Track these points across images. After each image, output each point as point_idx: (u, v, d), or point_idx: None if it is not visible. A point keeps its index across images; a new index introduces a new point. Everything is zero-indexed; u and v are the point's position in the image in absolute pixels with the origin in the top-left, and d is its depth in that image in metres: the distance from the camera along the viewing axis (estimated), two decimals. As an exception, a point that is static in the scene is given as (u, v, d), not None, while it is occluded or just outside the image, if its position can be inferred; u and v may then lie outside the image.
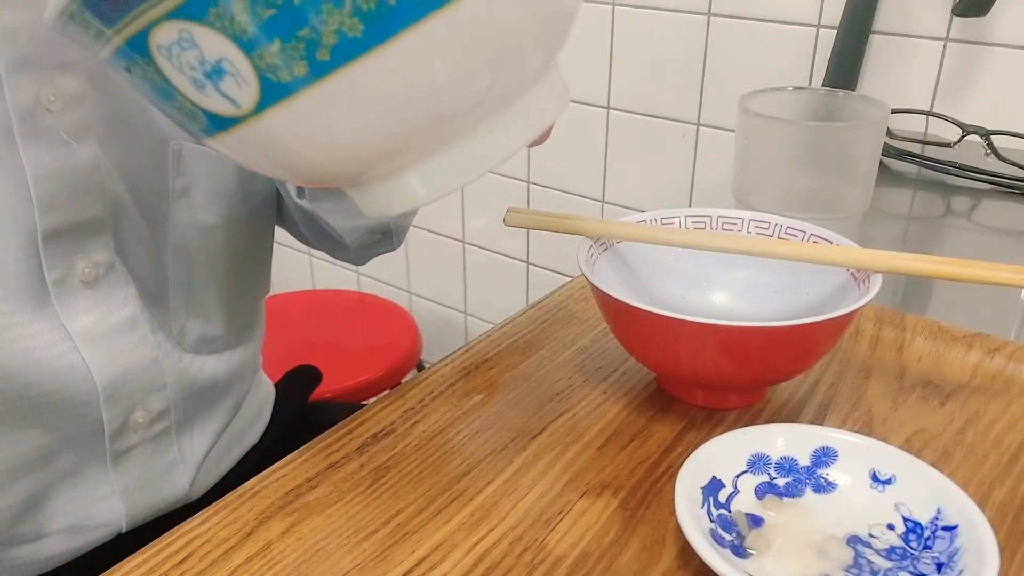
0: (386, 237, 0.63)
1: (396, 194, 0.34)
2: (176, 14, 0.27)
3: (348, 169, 0.33)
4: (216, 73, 0.28)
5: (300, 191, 0.56)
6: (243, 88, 0.28)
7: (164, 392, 0.52)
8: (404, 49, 0.28)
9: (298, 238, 0.66)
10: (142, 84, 0.30)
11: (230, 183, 0.53)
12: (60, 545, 0.51)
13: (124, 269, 0.49)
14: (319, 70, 0.28)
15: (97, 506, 0.52)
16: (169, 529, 0.42)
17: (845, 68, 0.96)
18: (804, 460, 0.42)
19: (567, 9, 0.34)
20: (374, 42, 0.27)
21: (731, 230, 0.54)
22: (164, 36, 0.28)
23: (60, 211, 0.45)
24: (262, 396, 0.68)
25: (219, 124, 0.30)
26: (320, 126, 0.30)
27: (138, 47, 0.29)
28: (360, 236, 0.61)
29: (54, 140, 0.44)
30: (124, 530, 0.54)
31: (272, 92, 0.28)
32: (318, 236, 0.63)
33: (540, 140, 0.36)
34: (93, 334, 0.48)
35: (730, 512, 0.40)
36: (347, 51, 0.28)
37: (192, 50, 0.28)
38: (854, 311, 0.44)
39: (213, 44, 0.27)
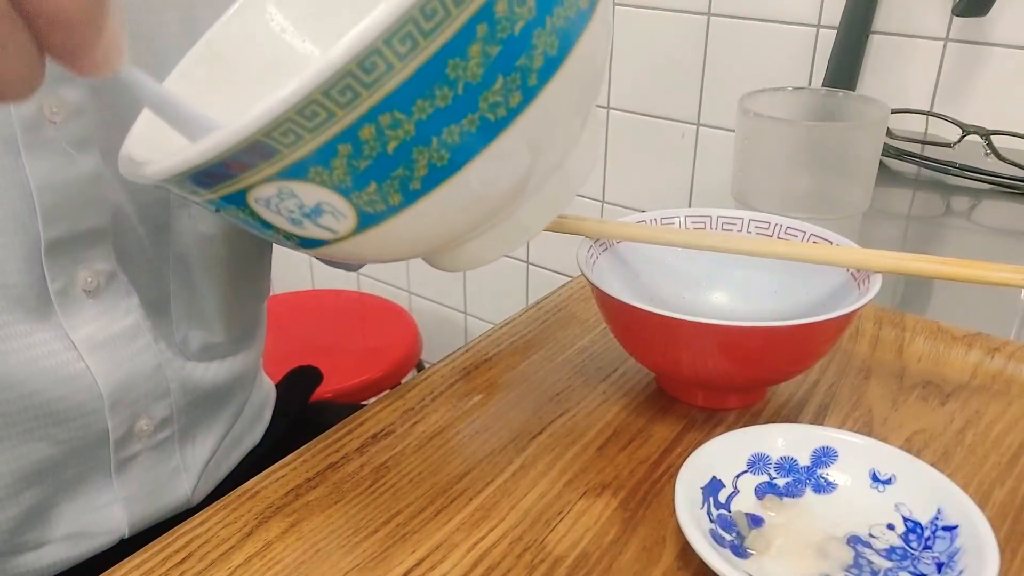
0: None
1: (458, 260, 0.41)
2: (278, 177, 0.29)
3: (424, 254, 0.39)
4: (315, 213, 0.31)
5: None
6: (341, 220, 0.31)
7: (168, 399, 0.52)
8: (479, 168, 0.31)
9: None
10: (233, 219, 0.33)
11: None
12: (62, 553, 0.51)
13: (125, 278, 0.49)
14: (411, 197, 0.31)
15: (99, 514, 0.52)
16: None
17: (845, 68, 0.96)
18: (804, 460, 0.42)
19: (600, 79, 0.37)
20: (458, 166, 0.31)
21: (731, 230, 0.54)
22: (263, 192, 0.30)
23: (63, 221, 0.45)
24: (263, 397, 0.68)
25: (312, 244, 0.33)
26: (407, 238, 0.34)
27: (236, 201, 0.31)
28: None
29: (57, 151, 0.44)
30: (126, 536, 0.54)
31: (369, 220, 0.31)
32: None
33: None
34: (96, 342, 0.48)
35: (730, 512, 0.40)
36: (435, 178, 0.31)
37: (291, 199, 0.30)
38: (854, 311, 0.44)
39: (313, 194, 0.30)
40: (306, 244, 0.33)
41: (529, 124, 0.31)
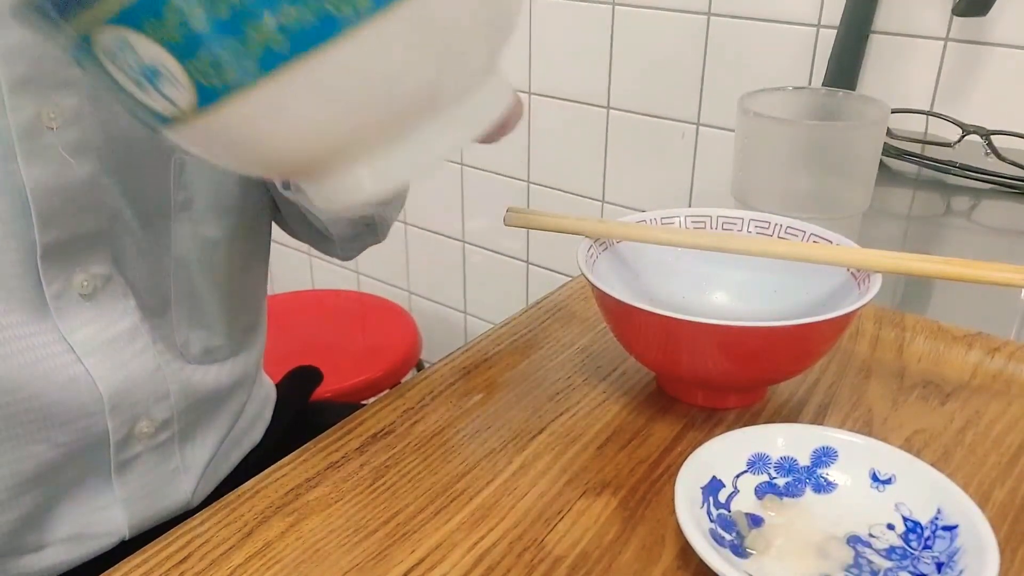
0: (370, 229, 0.62)
1: (345, 187, 0.35)
2: (115, 21, 0.27)
3: (296, 164, 0.34)
4: (153, 75, 0.28)
5: (285, 183, 0.56)
6: (179, 91, 0.29)
7: (168, 401, 0.52)
8: (347, 49, 0.28)
9: (285, 230, 0.66)
10: (93, 79, 0.31)
11: (231, 197, 0.53)
12: (62, 555, 0.51)
13: (122, 281, 0.49)
14: (253, 73, 0.28)
15: (99, 515, 0.52)
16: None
17: (845, 68, 0.96)
18: (804, 460, 0.42)
19: (512, 8, 0.34)
20: (311, 44, 0.28)
21: (731, 230, 0.54)
22: (106, 40, 0.28)
23: (58, 226, 0.45)
24: (263, 397, 0.67)
25: (160, 120, 0.31)
26: (262, 133, 0.30)
27: (84, 50, 0.29)
28: (344, 228, 0.61)
29: (54, 157, 0.44)
30: (127, 538, 0.54)
31: (208, 95, 0.29)
32: (304, 229, 0.63)
33: (489, 139, 0.37)
34: (95, 344, 0.48)
35: (730, 512, 0.40)
36: (280, 55, 0.28)
37: (130, 53, 0.28)
38: (854, 311, 0.44)
39: (148, 50, 0.28)
40: (156, 119, 0.31)
41: (414, 12, 0.28)
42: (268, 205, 0.59)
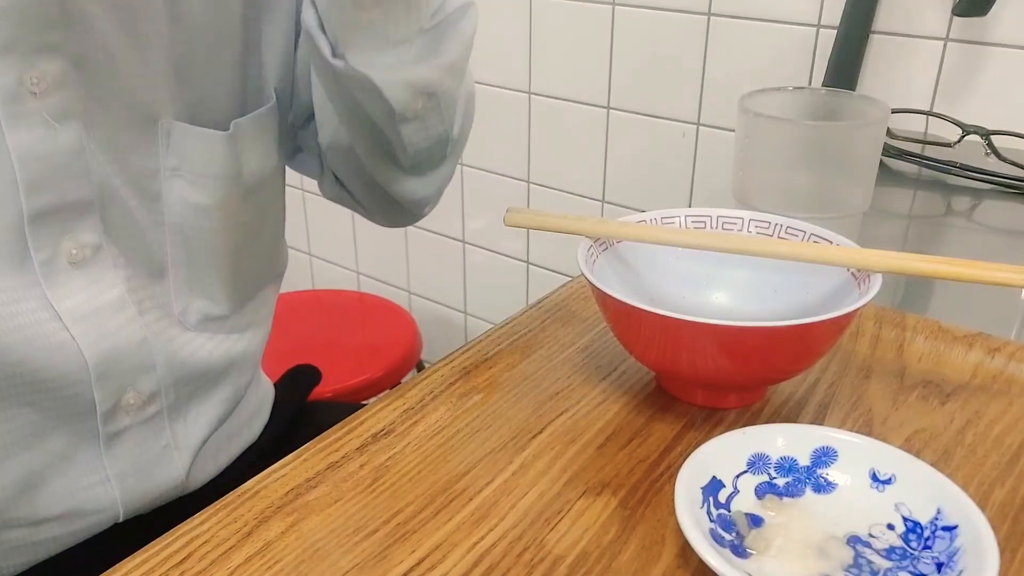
0: (434, 104, 0.55)
1: None
2: None
3: None
4: None
5: (333, 52, 0.51)
6: None
7: (154, 373, 0.52)
8: None
9: (335, 197, 0.64)
10: None
11: (219, 164, 0.53)
12: (56, 530, 0.52)
13: (115, 250, 0.50)
14: None
15: (92, 491, 0.52)
16: (168, 520, 0.43)
17: (845, 68, 0.96)
18: (804, 460, 0.42)
19: None
20: None
21: (731, 230, 0.54)
22: None
23: (45, 193, 0.45)
24: (261, 394, 0.68)
25: None
26: None
27: None
28: (407, 97, 0.53)
29: (38, 122, 0.44)
30: (121, 518, 0.54)
31: None
32: (367, 154, 0.58)
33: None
34: (82, 313, 0.48)
35: (730, 512, 0.40)
36: None
37: None
38: (854, 311, 0.44)
39: None
40: None
41: None
42: (267, 177, 0.57)
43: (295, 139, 0.64)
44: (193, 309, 0.54)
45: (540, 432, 0.48)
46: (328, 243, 1.66)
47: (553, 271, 1.37)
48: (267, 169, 0.57)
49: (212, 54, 0.52)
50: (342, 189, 0.64)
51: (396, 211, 0.65)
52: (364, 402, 0.55)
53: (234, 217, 0.54)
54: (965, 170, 0.81)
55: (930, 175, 0.84)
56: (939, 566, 0.36)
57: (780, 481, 0.42)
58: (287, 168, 0.64)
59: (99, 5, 0.45)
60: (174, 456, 0.55)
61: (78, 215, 0.47)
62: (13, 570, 0.52)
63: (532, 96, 1.26)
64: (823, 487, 0.41)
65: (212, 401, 0.58)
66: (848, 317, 0.44)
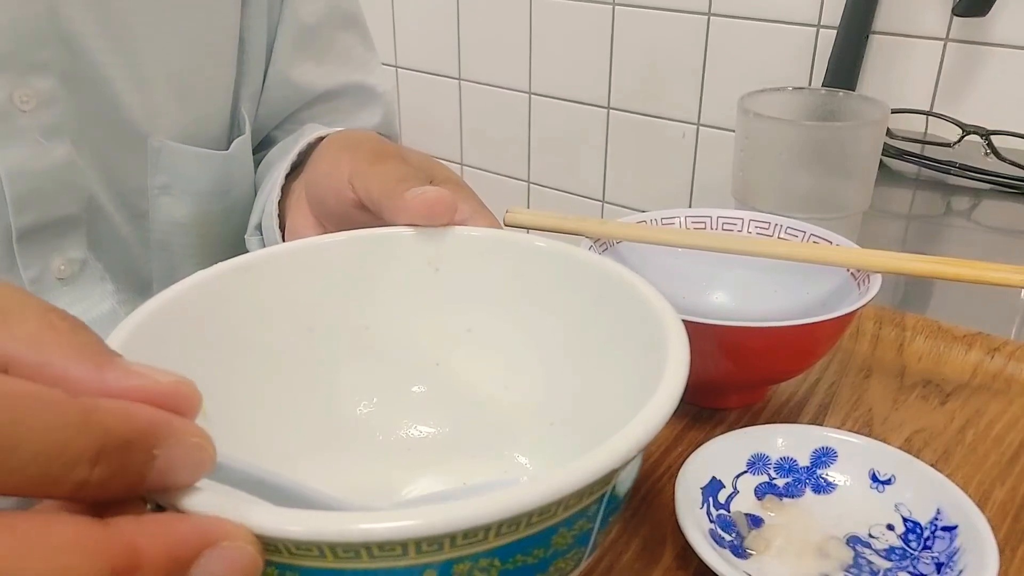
0: None
1: None
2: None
3: None
4: None
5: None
6: None
7: None
8: None
9: None
10: None
11: (211, 182, 0.53)
12: None
13: (99, 265, 0.50)
14: None
15: None
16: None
17: (845, 68, 0.96)
18: (804, 460, 0.42)
19: None
20: None
21: (731, 230, 0.54)
22: None
23: (34, 210, 0.45)
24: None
25: None
26: None
27: None
28: None
29: (28, 140, 0.44)
30: None
31: None
32: None
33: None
34: None
35: (730, 512, 0.40)
36: None
37: None
38: (854, 311, 0.44)
39: None
40: None
41: None
42: (248, 195, 0.58)
43: None
44: None
45: (540, 432, 0.48)
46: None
47: (553, 271, 1.37)
48: (248, 185, 0.57)
49: (207, 73, 0.52)
50: None
51: None
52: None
53: (213, 234, 0.55)
54: (965, 170, 0.81)
55: (930, 175, 0.84)
56: (939, 566, 0.36)
57: (780, 481, 0.42)
58: None
59: (92, 24, 0.45)
60: None
61: (66, 231, 0.47)
62: None
63: (532, 96, 1.27)
64: (823, 487, 0.41)
65: None
66: (848, 317, 0.44)
